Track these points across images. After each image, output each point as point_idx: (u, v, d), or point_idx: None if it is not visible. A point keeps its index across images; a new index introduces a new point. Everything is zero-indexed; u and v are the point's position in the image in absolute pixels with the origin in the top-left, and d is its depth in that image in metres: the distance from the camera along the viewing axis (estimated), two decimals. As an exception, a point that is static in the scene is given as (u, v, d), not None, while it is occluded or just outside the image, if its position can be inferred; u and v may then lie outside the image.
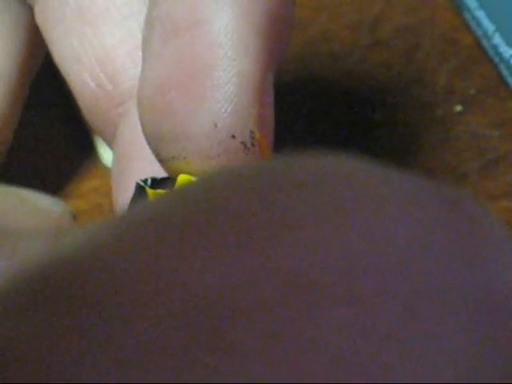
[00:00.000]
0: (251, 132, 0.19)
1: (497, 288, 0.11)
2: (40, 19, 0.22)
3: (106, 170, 0.30)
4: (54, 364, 0.09)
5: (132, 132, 0.22)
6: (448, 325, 0.10)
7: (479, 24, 0.32)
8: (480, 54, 0.32)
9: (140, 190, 0.20)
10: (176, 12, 0.19)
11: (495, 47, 0.31)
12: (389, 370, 0.09)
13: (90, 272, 0.10)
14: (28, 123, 0.27)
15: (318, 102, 0.31)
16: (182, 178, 0.20)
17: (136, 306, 0.09)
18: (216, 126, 0.19)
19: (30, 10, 0.23)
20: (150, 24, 0.20)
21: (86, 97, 0.22)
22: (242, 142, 0.19)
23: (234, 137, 0.19)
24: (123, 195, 0.21)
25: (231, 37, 0.19)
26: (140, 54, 0.20)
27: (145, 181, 0.20)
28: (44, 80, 0.28)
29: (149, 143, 0.20)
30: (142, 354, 0.09)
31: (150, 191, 0.20)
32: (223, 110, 0.19)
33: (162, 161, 0.20)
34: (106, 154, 0.30)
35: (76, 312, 0.09)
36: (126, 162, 0.22)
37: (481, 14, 0.32)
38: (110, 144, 0.23)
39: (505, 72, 0.31)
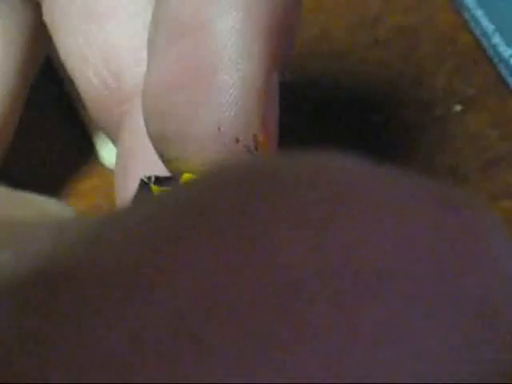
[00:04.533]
0: (255, 136, 0.19)
1: (496, 295, 0.10)
2: (47, 17, 0.22)
3: (105, 170, 0.30)
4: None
5: (136, 129, 0.22)
6: (437, 332, 0.10)
7: (479, 24, 0.32)
8: (479, 54, 0.32)
9: (144, 186, 0.20)
10: (181, 13, 0.19)
11: (495, 47, 0.31)
12: (371, 373, 0.09)
13: (91, 270, 0.09)
14: (28, 123, 0.27)
15: (317, 102, 0.31)
16: (186, 177, 0.20)
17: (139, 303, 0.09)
18: (219, 129, 0.19)
19: (35, 10, 0.23)
20: (155, 24, 0.20)
21: (90, 94, 0.22)
22: (245, 146, 0.19)
23: (237, 140, 0.19)
24: (126, 192, 0.21)
25: (236, 40, 0.18)
26: (145, 52, 0.20)
27: (148, 178, 0.20)
28: (44, 80, 0.28)
29: (153, 143, 0.20)
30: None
31: (154, 188, 0.20)
32: (227, 114, 0.19)
33: (165, 161, 0.20)
34: (105, 155, 0.30)
35: (64, 312, 0.09)
36: (130, 159, 0.22)
37: (480, 14, 0.32)
38: (114, 141, 0.23)
39: (504, 72, 0.31)
